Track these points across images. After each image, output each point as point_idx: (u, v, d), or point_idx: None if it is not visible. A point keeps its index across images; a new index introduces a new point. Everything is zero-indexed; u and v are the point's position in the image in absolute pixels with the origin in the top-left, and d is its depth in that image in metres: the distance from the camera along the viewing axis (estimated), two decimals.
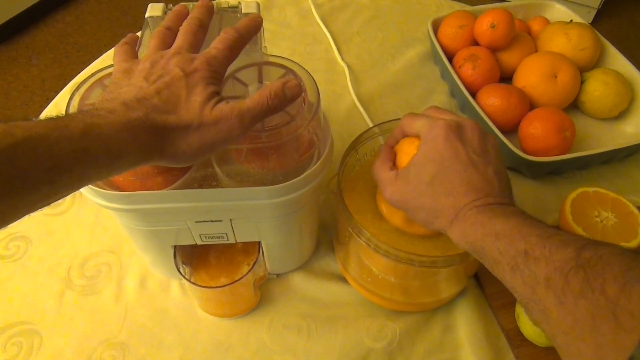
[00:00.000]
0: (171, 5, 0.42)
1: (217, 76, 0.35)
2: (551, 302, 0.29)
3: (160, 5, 0.44)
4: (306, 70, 0.42)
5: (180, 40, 0.36)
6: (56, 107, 0.73)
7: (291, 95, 0.35)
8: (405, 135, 0.43)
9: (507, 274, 0.33)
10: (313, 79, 0.41)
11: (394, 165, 0.42)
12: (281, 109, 0.35)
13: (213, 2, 0.41)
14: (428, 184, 0.37)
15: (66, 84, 0.77)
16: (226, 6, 0.44)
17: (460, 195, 0.37)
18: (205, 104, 0.33)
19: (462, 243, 0.36)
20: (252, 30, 0.38)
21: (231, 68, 0.40)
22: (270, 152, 0.39)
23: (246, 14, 0.44)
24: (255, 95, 0.34)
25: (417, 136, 0.41)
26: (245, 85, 0.40)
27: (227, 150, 0.40)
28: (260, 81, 0.40)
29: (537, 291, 0.30)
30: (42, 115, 0.71)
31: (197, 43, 0.37)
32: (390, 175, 0.40)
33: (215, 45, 0.36)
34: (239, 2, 0.44)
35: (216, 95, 0.34)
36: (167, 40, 0.37)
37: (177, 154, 0.32)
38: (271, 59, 0.42)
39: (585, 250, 0.29)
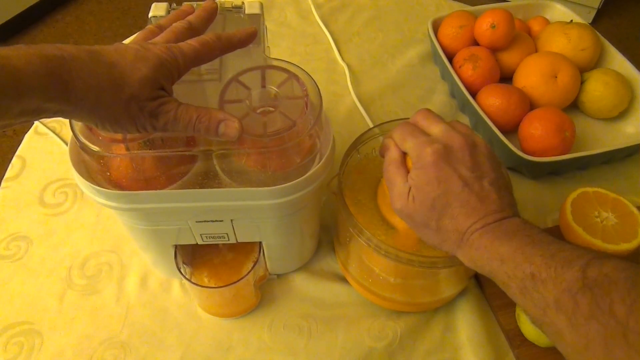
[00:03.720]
0: (175, 5, 0.42)
1: (172, 64, 0.33)
2: (563, 325, 0.29)
3: (164, 5, 0.44)
4: (308, 74, 0.42)
5: (159, 37, 0.35)
6: None
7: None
8: (396, 147, 0.41)
9: (518, 297, 0.33)
10: (315, 82, 0.41)
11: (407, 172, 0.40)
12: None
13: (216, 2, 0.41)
14: (430, 208, 0.37)
15: None
16: (230, 6, 0.44)
17: (461, 219, 0.36)
18: (141, 80, 0.31)
19: (472, 267, 0.36)
20: (235, 41, 0.37)
21: (234, 71, 0.39)
22: (272, 155, 0.39)
23: (250, 15, 0.44)
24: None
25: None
26: (248, 88, 0.40)
27: (229, 152, 0.40)
28: (263, 85, 0.40)
29: (549, 314, 0.30)
30: None
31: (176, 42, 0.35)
32: (405, 189, 0.38)
33: (189, 41, 0.35)
34: (243, 2, 0.44)
35: (161, 90, 0.32)
36: (152, 37, 0.36)
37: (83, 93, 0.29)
38: (274, 63, 0.42)
39: (590, 268, 0.29)
